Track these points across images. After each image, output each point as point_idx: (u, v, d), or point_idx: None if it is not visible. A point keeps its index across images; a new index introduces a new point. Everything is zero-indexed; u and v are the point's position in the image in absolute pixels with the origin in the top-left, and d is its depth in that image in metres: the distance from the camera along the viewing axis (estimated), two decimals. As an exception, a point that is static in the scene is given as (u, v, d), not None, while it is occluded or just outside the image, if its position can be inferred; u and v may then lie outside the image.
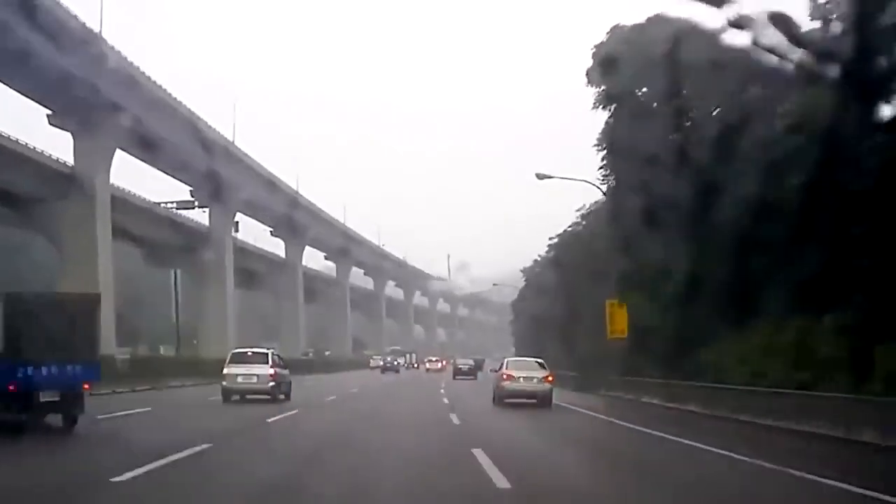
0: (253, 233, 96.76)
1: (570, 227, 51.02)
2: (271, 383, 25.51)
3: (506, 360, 28.08)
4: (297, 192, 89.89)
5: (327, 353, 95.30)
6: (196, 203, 77.66)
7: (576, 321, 40.03)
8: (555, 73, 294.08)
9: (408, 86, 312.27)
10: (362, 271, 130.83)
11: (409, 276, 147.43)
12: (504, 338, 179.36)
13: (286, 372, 27.68)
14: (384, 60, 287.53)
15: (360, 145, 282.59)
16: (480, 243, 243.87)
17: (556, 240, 54.61)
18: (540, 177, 27.81)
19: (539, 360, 27.20)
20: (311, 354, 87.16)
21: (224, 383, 25.72)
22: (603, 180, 32.17)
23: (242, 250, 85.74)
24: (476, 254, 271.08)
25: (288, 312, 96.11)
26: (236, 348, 30.65)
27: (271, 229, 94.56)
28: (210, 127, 67.21)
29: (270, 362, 26.23)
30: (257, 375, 25.47)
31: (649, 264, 26.58)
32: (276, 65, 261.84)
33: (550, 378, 24.67)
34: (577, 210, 50.55)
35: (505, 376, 24.63)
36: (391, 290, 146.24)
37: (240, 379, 25.51)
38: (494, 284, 66.92)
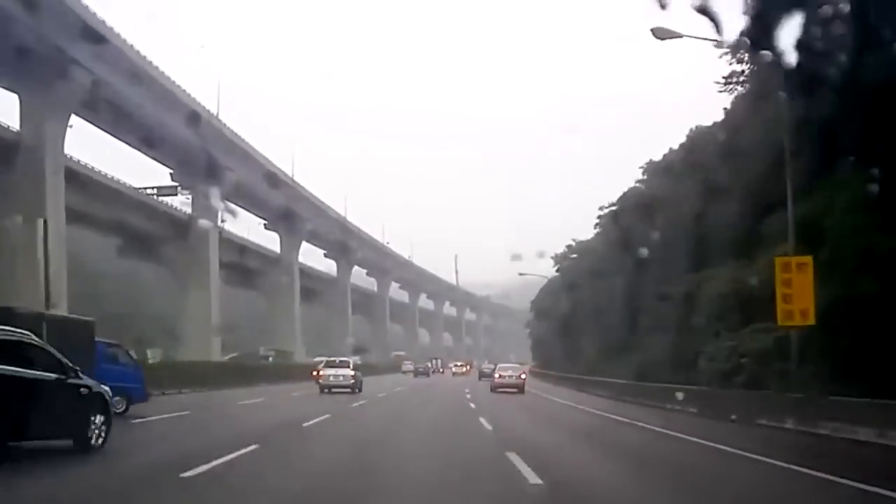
0: (245, 226, 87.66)
1: (628, 191, 41.37)
2: (352, 381, 35.85)
3: (497, 365, 44.29)
4: (293, 180, 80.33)
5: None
6: (178, 188, 68.60)
7: (665, 306, 30.03)
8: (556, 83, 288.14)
9: (413, 93, 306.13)
10: (364, 272, 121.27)
11: (414, 278, 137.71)
12: (514, 342, 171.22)
13: (360, 373, 37.88)
14: (383, 68, 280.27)
15: (362, 150, 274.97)
16: (488, 250, 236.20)
17: (612, 207, 44.28)
18: (659, 35, 18.17)
19: (517, 364, 45.20)
20: (270, 358, 72.27)
21: (320, 381, 36.44)
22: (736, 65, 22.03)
23: (231, 243, 76.33)
24: (484, 260, 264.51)
25: (283, 313, 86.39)
26: (328, 356, 43.77)
27: (265, 221, 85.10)
28: (188, 95, 57.80)
29: (352, 366, 37.37)
30: (343, 375, 36.19)
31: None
32: (277, 70, 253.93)
33: (523, 375, 39.68)
34: (641, 167, 41.17)
35: (497, 375, 39.29)
36: (395, 292, 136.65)
37: (331, 378, 36.10)
38: (521, 274, 56.25)
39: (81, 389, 12.86)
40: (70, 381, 12.49)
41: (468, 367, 79.93)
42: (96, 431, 12.86)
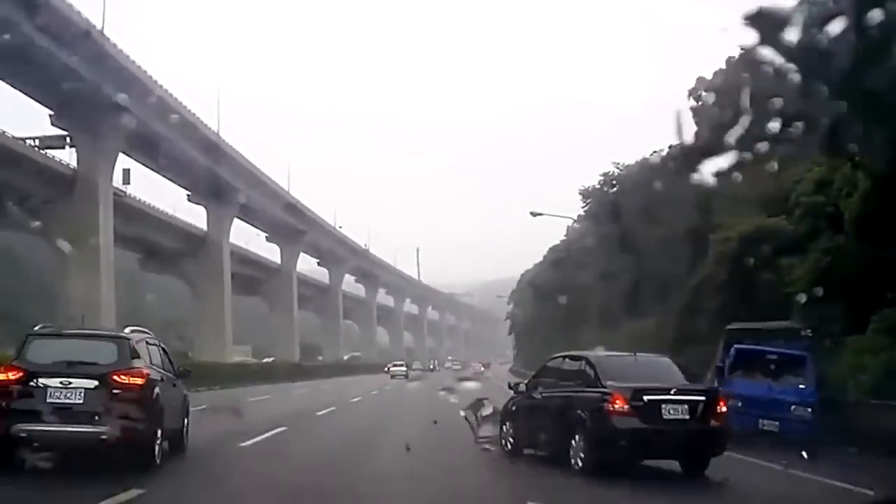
0: (172, 202, 71.99)
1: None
2: (406, 372, 63.54)
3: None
4: (217, 135, 64.92)
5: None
6: (68, 139, 53.46)
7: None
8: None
9: (382, 100, 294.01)
10: (316, 261, 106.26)
11: (372, 269, 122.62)
12: (482, 343, 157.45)
13: (407, 369, 66.38)
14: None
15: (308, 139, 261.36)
16: (449, 248, 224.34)
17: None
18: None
19: (484, 362, 75.93)
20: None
21: (390, 372, 63.91)
22: None
23: (144, 215, 61.27)
24: (445, 259, 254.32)
25: (211, 304, 71.08)
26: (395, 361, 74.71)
27: (188, 194, 69.75)
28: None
29: (405, 364, 69.46)
30: (401, 368, 65.22)
31: None
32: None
33: (482, 368, 63.08)
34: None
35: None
36: (350, 286, 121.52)
37: (397, 371, 63.12)
38: (534, 214, 36.54)
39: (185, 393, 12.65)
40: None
41: (483, 367, 70.26)
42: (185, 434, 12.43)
